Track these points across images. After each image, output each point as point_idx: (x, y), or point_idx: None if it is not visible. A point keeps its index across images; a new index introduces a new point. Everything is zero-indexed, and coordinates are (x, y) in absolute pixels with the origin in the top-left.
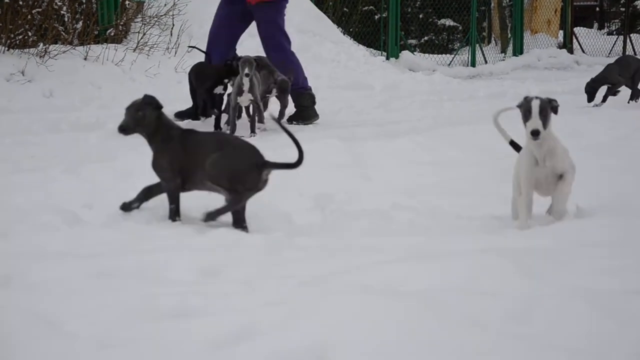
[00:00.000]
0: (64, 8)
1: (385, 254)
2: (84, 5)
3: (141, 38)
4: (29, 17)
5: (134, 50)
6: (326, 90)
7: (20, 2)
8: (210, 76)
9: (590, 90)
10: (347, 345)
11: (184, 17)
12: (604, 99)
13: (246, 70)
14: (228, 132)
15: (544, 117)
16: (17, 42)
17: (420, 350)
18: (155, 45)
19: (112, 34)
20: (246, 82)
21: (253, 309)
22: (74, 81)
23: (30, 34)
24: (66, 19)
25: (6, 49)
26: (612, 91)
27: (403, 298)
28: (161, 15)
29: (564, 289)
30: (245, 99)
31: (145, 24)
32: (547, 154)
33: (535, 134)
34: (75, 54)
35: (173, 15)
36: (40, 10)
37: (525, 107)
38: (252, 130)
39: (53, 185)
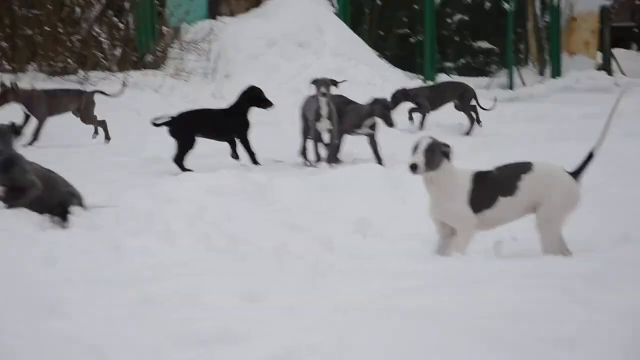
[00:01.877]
0: (103, 35)
1: (425, 278)
2: (123, 32)
3: (179, 64)
4: (69, 44)
5: (172, 75)
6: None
7: (60, 30)
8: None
9: None
10: None
11: (221, 42)
12: None
13: (322, 90)
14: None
15: (430, 157)
16: (58, 69)
17: None
18: (193, 71)
19: (151, 60)
20: (324, 105)
21: (293, 334)
22: (113, 107)
23: (70, 61)
24: (105, 46)
25: (46, 76)
26: None
27: (444, 323)
28: (198, 41)
29: (612, 314)
30: (323, 126)
31: (182, 50)
32: (436, 198)
33: (412, 168)
34: (115, 80)
35: (210, 40)
36: (79, 37)
37: (415, 143)
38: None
39: (95, 212)
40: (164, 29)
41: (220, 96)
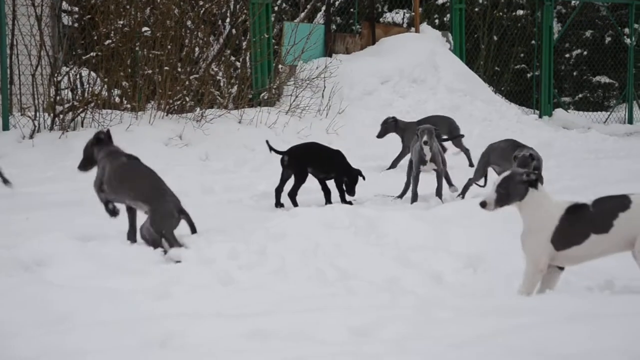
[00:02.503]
0: (220, 73)
1: (539, 314)
2: (239, 70)
3: (293, 101)
4: (187, 83)
5: (287, 112)
6: (477, 149)
7: (179, 69)
8: None
9: None
10: None
11: (335, 79)
12: None
13: (425, 138)
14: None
15: (505, 191)
16: (175, 107)
17: None
18: (307, 108)
19: (266, 97)
20: (427, 152)
21: None
22: (228, 144)
23: (187, 99)
24: (222, 84)
25: (165, 114)
26: None
27: None
28: (313, 78)
29: None
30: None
31: (297, 87)
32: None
33: (481, 205)
34: (230, 117)
35: (324, 77)
36: (197, 76)
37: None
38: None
39: (208, 246)
40: (280, 67)
41: (334, 132)
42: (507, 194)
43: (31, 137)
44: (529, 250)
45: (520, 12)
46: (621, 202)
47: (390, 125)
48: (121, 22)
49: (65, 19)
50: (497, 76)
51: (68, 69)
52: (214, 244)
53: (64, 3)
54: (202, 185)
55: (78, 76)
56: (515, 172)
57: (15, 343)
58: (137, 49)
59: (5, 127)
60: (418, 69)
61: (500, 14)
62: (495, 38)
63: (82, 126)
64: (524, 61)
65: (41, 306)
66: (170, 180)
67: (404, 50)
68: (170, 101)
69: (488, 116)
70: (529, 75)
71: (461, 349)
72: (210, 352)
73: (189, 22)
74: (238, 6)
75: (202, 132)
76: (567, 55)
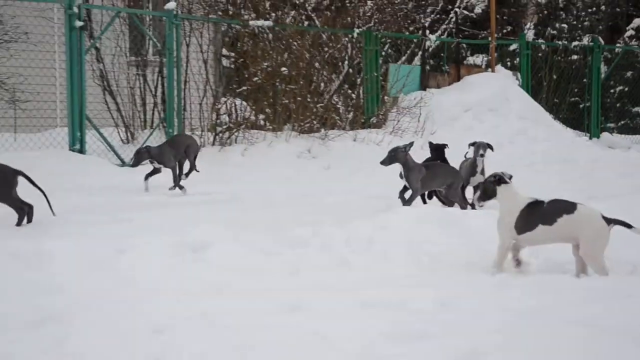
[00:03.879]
0: (339, 103)
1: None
2: (354, 101)
3: (396, 124)
4: (314, 110)
5: (390, 133)
6: (540, 164)
7: (309, 99)
8: None
9: None
10: None
11: (428, 108)
12: None
13: (481, 151)
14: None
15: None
16: (305, 128)
17: None
18: (406, 130)
19: (375, 121)
20: (480, 164)
21: (481, 335)
22: (345, 157)
23: (314, 122)
24: (341, 111)
25: (297, 133)
26: None
27: None
28: (411, 107)
29: None
30: (476, 180)
31: (399, 114)
32: None
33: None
34: (347, 137)
35: (420, 106)
36: (322, 105)
37: None
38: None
39: (326, 235)
40: (386, 98)
41: (427, 148)
42: (484, 193)
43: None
44: (499, 232)
45: (575, 56)
46: (569, 206)
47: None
48: (265, 64)
49: (224, 62)
50: (555, 106)
51: (225, 99)
52: (333, 234)
53: (223, 50)
54: (325, 188)
55: (233, 105)
56: (487, 178)
57: (181, 305)
58: (277, 84)
59: None
60: (493, 100)
61: (559, 58)
62: (554, 76)
63: (236, 142)
64: (577, 95)
65: (201, 279)
66: (301, 184)
67: (482, 86)
68: (302, 124)
69: (548, 138)
70: (581, 106)
71: (527, 316)
72: (331, 316)
73: (316, 64)
74: (354, 51)
75: (326, 147)
76: (612, 91)
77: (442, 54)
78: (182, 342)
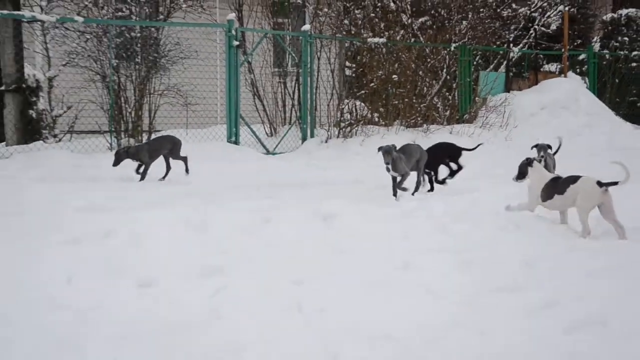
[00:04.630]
0: (439, 103)
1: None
2: (451, 101)
3: (485, 120)
4: (419, 109)
5: (480, 127)
6: (604, 152)
7: (414, 100)
8: None
9: None
10: None
11: (511, 106)
12: None
13: (542, 153)
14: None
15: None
16: (411, 123)
17: None
18: (493, 124)
19: (467, 117)
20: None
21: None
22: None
23: (419, 119)
24: (440, 109)
25: (405, 128)
26: None
27: None
28: (497, 106)
29: None
30: None
31: (487, 111)
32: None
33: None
34: (445, 130)
35: (505, 105)
36: (425, 104)
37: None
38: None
39: (429, 208)
40: (476, 99)
41: (510, 140)
42: (520, 173)
43: (326, 141)
44: (529, 197)
45: (634, 64)
46: (573, 179)
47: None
48: (380, 72)
49: (347, 71)
50: (617, 105)
51: (348, 101)
52: (435, 206)
53: (346, 62)
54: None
55: (354, 105)
56: (521, 161)
57: (313, 264)
58: (389, 88)
59: (312, 136)
60: (565, 100)
61: (620, 65)
62: (616, 80)
63: (356, 135)
64: (635, 95)
65: (330, 243)
66: None
67: (556, 89)
68: (408, 120)
69: (610, 131)
70: (638, 104)
71: (595, 274)
72: (435, 272)
73: (420, 72)
74: (451, 61)
75: (428, 139)
76: None
77: (523, 63)
78: (317, 292)
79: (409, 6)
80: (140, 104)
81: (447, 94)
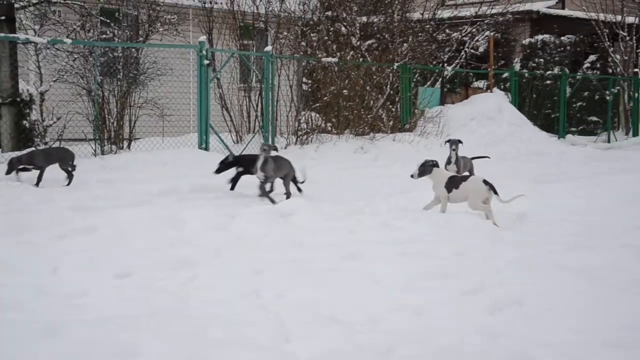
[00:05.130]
0: (384, 114)
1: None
2: (393, 113)
3: (423, 129)
4: (366, 119)
5: (419, 135)
6: (524, 156)
7: (362, 112)
8: None
9: None
10: None
11: (445, 118)
12: None
13: (453, 147)
14: None
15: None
16: (359, 132)
17: None
18: (430, 133)
19: (408, 127)
20: (454, 155)
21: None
22: (387, 152)
23: (366, 128)
24: (385, 120)
25: (354, 136)
26: None
27: None
28: (434, 117)
29: None
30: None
31: (425, 122)
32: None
33: (412, 176)
34: (388, 137)
35: (440, 116)
36: (371, 115)
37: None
38: None
39: (375, 206)
40: (416, 110)
41: (445, 146)
42: (422, 172)
43: (285, 148)
44: (437, 192)
45: (548, 81)
46: (466, 177)
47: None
48: (332, 88)
49: (304, 86)
50: (535, 116)
51: (304, 112)
52: (380, 204)
53: (303, 78)
54: (374, 174)
55: (309, 116)
56: (427, 162)
57: (274, 255)
58: (340, 101)
59: (273, 143)
60: (491, 112)
61: (537, 82)
62: (534, 95)
63: (311, 142)
64: (549, 108)
65: (288, 237)
66: (356, 171)
67: (484, 102)
68: (357, 129)
69: (529, 138)
70: (552, 116)
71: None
72: (378, 261)
73: (367, 87)
74: (394, 78)
75: (374, 145)
76: (574, 105)
77: (455, 80)
78: (275, 280)
79: (357, 30)
80: (121, 115)
81: (391, 106)
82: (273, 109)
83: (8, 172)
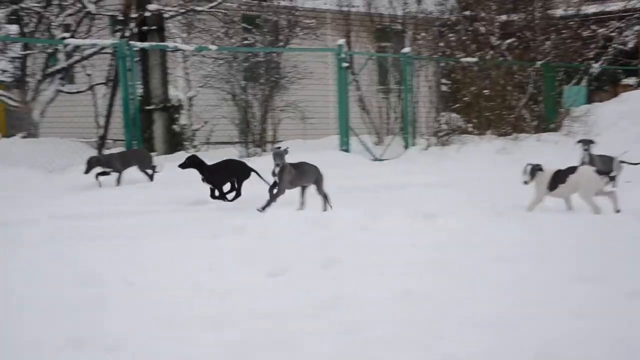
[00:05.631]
0: (526, 114)
1: None
2: (537, 112)
3: (569, 128)
4: (508, 119)
5: (564, 135)
6: None
7: (504, 112)
8: None
9: None
10: None
11: (594, 117)
12: None
13: (585, 147)
14: None
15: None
16: (501, 132)
17: None
18: (576, 132)
19: (553, 127)
20: (586, 156)
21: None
22: (530, 153)
23: (508, 128)
24: (527, 120)
25: (496, 136)
26: None
27: None
28: (580, 116)
29: None
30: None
31: (571, 121)
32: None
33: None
34: (532, 138)
35: (587, 115)
36: (513, 115)
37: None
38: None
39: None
40: (561, 110)
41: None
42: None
43: (426, 149)
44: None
45: None
46: (572, 170)
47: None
48: (472, 88)
49: (443, 87)
50: None
51: (444, 113)
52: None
53: (442, 79)
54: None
55: (449, 117)
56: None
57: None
58: (481, 102)
59: (413, 144)
60: None
61: None
62: None
63: (452, 143)
64: None
65: (432, 237)
66: (498, 172)
67: (635, 99)
68: (499, 130)
69: None
70: None
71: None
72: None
73: (508, 87)
74: (536, 77)
75: (517, 146)
76: None
77: (603, 77)
78: (421, 280)
79: (497, 29)
80: (264, 118)
81: (534, 106)
82: (412, 111)
83: (87, 172)
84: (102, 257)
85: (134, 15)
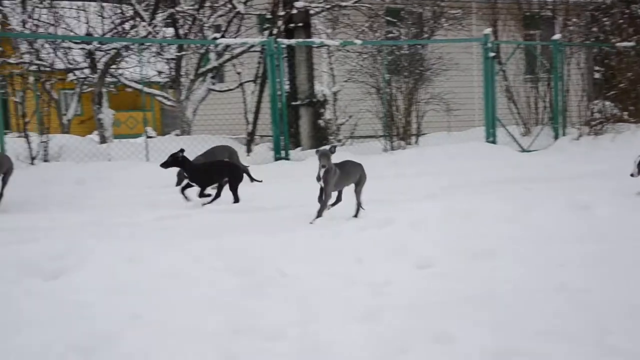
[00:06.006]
0: None
1: None
2: None
3: None
4: None
5: None
6: None
7: None
8: None
9: None
10: None
11: None
12: None
13: None
14: None
15: None
16: None
17: None
18: None
19: None
20: None
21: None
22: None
23: None
24: None
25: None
26: None
27: None
28: None
29: None
30: None
31: None
32: None
33: None
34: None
35: None
36: None
37: None
38: None
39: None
40: None
41: None
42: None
43: (577, 139)
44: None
45: None
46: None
47: None
48: (629, 74)
49: (596, 74)
50: None
51: (597, 101)
52: None
53: (595, 66)
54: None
55: (603, 105)
56: None
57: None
58: (639, 88)
59: (563, 134)
60: None
61: None
62: None
63: (606, 132)
64: None
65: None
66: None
67: None
68: None
69: None
70: None
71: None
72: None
73: None
74: None
75: None
76: None
77: None
78: (579, 273)
79: None
80: (409, 111)
81: None
82: (563, 99)
83: (178, 184)
84: (257, 248)
85: (281, 13)
